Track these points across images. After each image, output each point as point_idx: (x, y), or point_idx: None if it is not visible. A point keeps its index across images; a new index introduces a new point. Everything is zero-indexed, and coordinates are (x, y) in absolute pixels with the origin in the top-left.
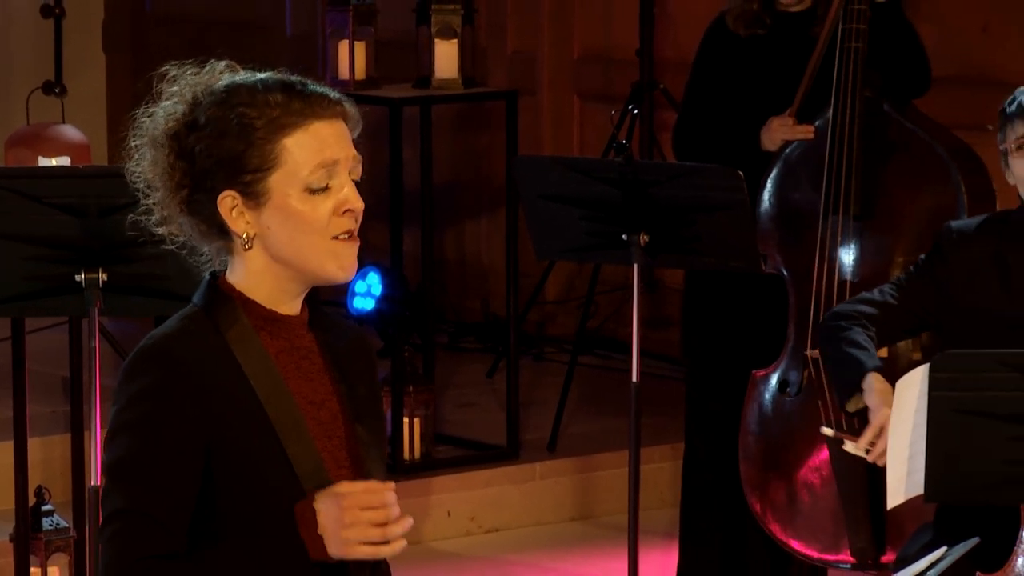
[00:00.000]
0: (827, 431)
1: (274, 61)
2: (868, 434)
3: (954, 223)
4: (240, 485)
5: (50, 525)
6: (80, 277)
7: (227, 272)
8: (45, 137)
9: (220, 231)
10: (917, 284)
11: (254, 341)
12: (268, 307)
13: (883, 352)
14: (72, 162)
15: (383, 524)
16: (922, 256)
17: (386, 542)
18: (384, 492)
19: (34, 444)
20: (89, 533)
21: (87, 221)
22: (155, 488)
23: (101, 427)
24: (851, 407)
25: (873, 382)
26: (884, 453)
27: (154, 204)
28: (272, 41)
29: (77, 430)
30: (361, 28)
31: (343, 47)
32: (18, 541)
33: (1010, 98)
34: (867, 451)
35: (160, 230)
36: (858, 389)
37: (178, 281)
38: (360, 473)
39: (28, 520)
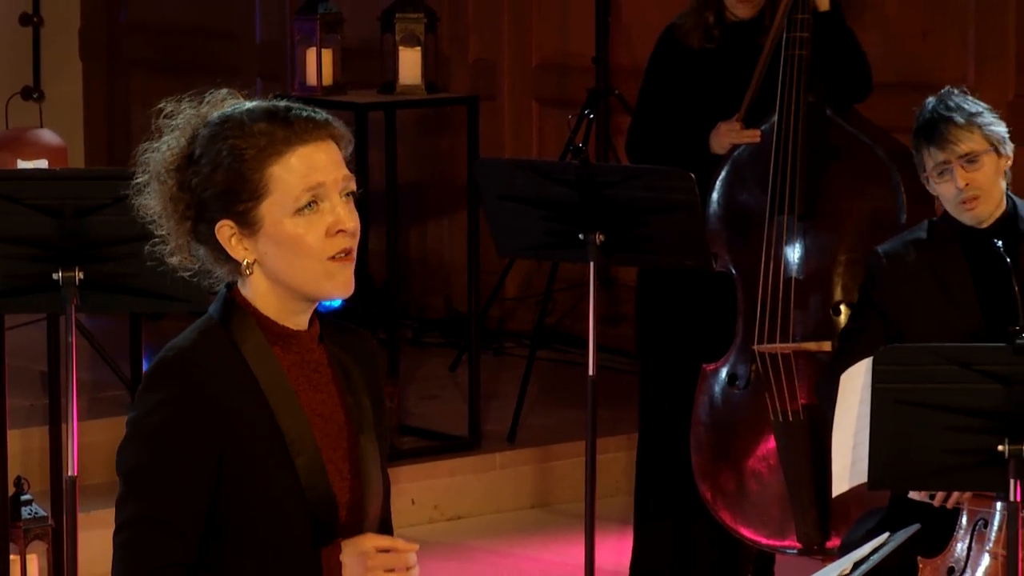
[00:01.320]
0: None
1: (244, 68)
2: None
3: (880, 248)
4: (246, 494)
5: (29, 514)
6: (57, 275)
7: (239, 286)
8: (24, 141)
9: (227, 256)
10: (865, 321)
11: (269, 355)
12: (279, 323)
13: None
14: (50, 165)
15: None
16: (859, 289)
17: None
18: (408, 555)
19: (13, 436)
20: (67, 522)
21: (64, 221)
22: (169, 497)
23: (78, 419)
24: None
25: None
26: None
27: (165, 234)
28: (242, 49)
29: (55, 422)
30: (328, 36)
31: (311, 54)
32: None
33: (918, 117)
34: None
35: (172, 260)
36: None
37: (151, 279)
38: (360, 483)
39: (7, 509)
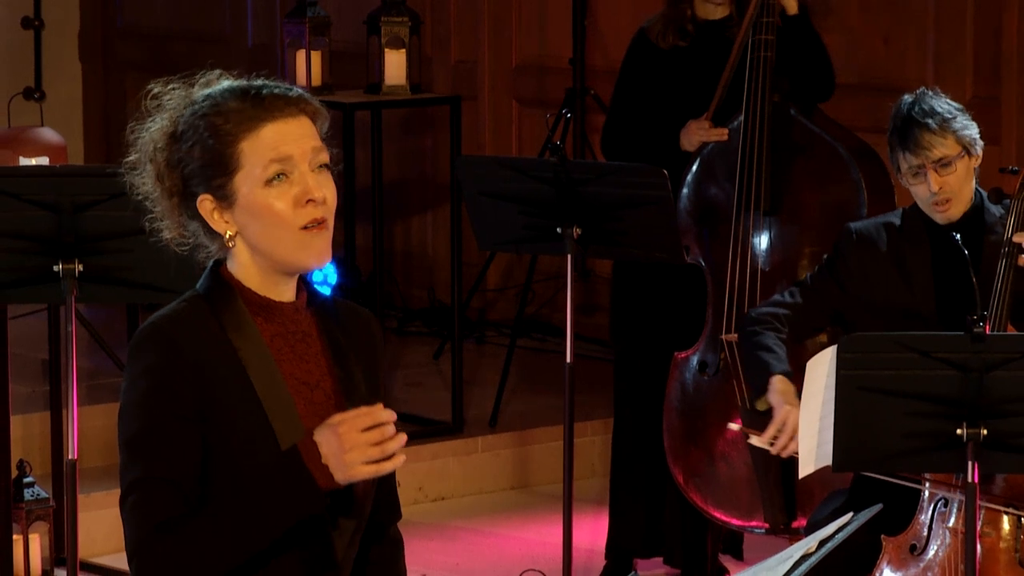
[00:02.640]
0: (733, 426)
1: (236, 70)
2: (771, 429)
3: (853, 225)
4: (228, 455)
5: (31, 496)
6: (58, 267)
7: (227, 261)
8: (25, 139)
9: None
10: (820, 283)
11: (249, 325)
12: (262, 294)
13: None
14: (50, 162)
15: (380, 443)
16: (825, 256)
17: (386, 458)
18: (377, 413)
19: (16, 421)
20: (67, 503)
21: (63, 216)
22: (164, 456)
23: (77, 405)
24: (760, 406)
25: (777, 384)
26: (786, 446)
27: (159, 212)
28: (234, 51)
29: (56, 408)
30: (316, 39)
31: (300, 56)
32: (1, 511)
33: (893, 118)
34: (771, 444)
35: (167, 235)
36: (765, 390)
37: (147, 271)
38: None
39: (10, 491)
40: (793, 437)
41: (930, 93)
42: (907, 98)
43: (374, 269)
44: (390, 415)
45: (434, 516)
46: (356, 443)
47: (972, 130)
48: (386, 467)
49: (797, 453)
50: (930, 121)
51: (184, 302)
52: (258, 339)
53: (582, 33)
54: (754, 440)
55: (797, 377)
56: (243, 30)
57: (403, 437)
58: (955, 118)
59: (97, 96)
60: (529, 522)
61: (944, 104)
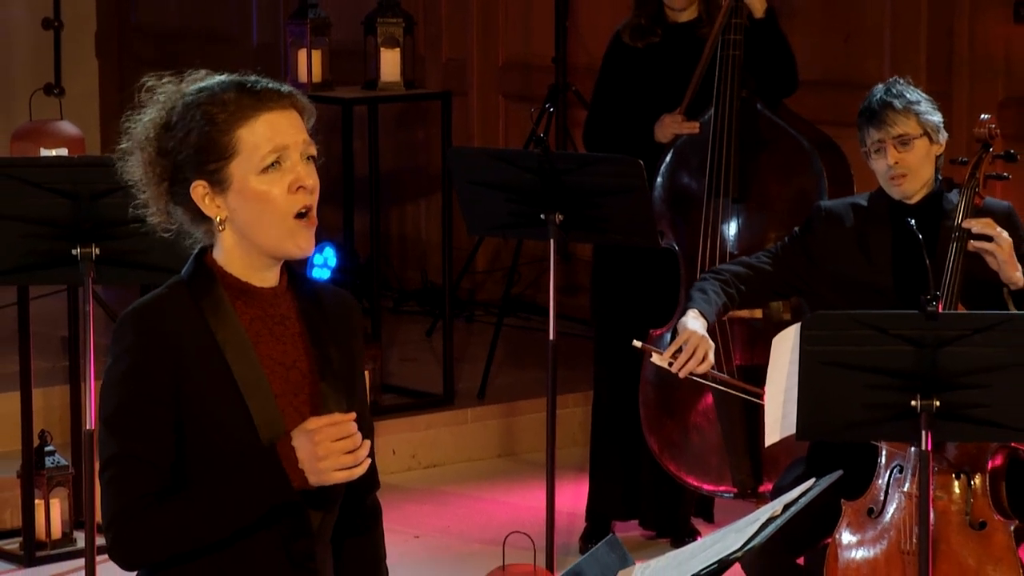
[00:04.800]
0: (636, 344)
1: (242, 68)
2: (671, 348)
3: (824, 203)
4: (204, 432)
5: (51, 463)
6: (76, 251)
7: (212, 249)
8: (45, 132)
9: (203, 216)
10: (789, 253)
11: (226, 309)
12: (243, 279)
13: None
14: (69, 153)
15: (351, 451)
16: (796, 229)
17: (356, 465)
18: (347, 423)
19: (37, 394)
20: (86, 470)
21: (81, 203)
22: (140, 434)
23: (95, 379)
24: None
25: (688, 314)
26: (684, 366)
27: (147, 198)
28: (240, 50)
29: (74, 381)
30: (317, 38)
31: (302, 55)
32: (24, 477)
33: (865, 101)
34: (670, 364)
35: (153, 220)
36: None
37: (159, 255)
38: None
39: (32, 459)
40: (693, 358)
41: (902, 81)
42: (881, 85)
43: (371, 253)
44: (355, 425)
45: (427, 482)
46: (330, 451)
47: (935, 117)
48: (355, 473)
49: (695, 374)
50: (896, 101)
51: (167, 288)
52: (235, 323)
53: (564, 34)
54: (655, 359)
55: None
56: (248, 30)
57: (368, 444)
58: (920, 103)
59: (112, 91)
60: (515, 487)
61: (913, 91)
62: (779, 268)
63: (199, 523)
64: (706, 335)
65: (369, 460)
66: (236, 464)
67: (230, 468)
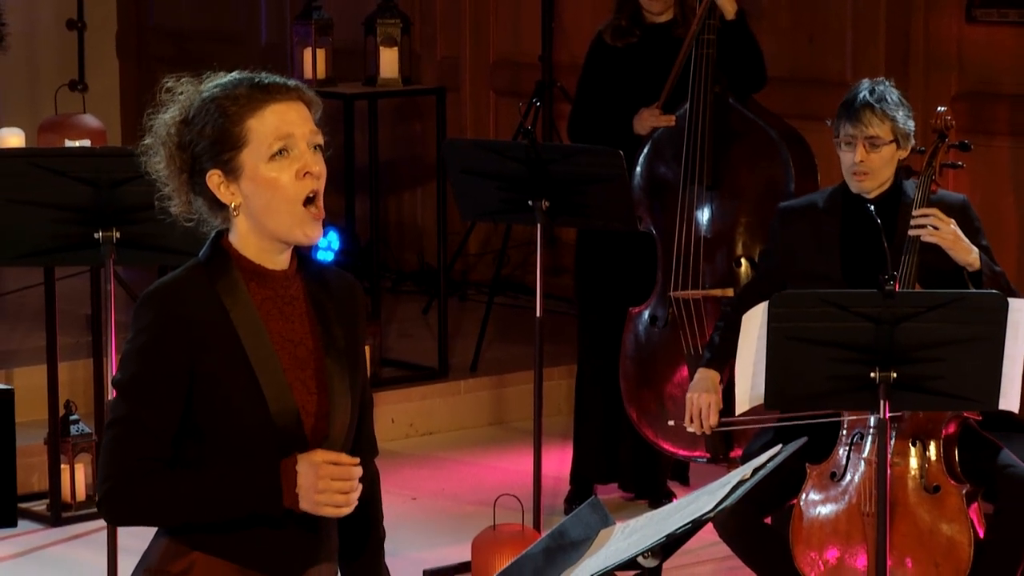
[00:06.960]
0: (671, 422)
1: (250, 66)
2: (687, 417)
3: (782, 204)
4: (216, 405)
5: (76, 431)
6: (98, 235)
7: (228, 233)
8: (70, 125)
9: (220, 204)
10: (768, 266)
11: (241, 290)
12: (257, 262)
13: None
14: (92, 144)
15: (347, 492)
16: (764, 245)
17: (346, 505)
18: (350, 468)
19: (63, 367)
20: None
21: (102, 191)
22: (149, 404)
23: (116, 353)
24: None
25: (697, 373)
26: (701, 426)
27: (170, 190)
28: (248, 49)
29: (97, 355)
30: (321, 38)
31: (307, 53)
32: (51, 444)
33: (849, 93)
34: (689, 427)
35: (175, 210)
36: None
37: (176, 238)
38: (326, 397)
39: (59, 427)
40: (700, 417)
41: (888, 84)
42: (867, 81)
43: (371, 237)
44: (359, 471)
45: (423, 448)
46: (328, 488)
47: (909, 126)
48: (342, 512)
49: (712, 428)
50: (877, 105)
51: (185, 270)
52: (248, 302)
53: (550, 34)
54: (686, 426)
55: None
56: (257, 30)
57: (360, 488)
58: (898, 110)
59: (132, 87)
60: (505, 453)
61: (895, 97)
62: (771, 283)
63: (188, 503)
64: (707, 391)
65: (356, 500)
66: (242, 464)
67: (235, 462)
